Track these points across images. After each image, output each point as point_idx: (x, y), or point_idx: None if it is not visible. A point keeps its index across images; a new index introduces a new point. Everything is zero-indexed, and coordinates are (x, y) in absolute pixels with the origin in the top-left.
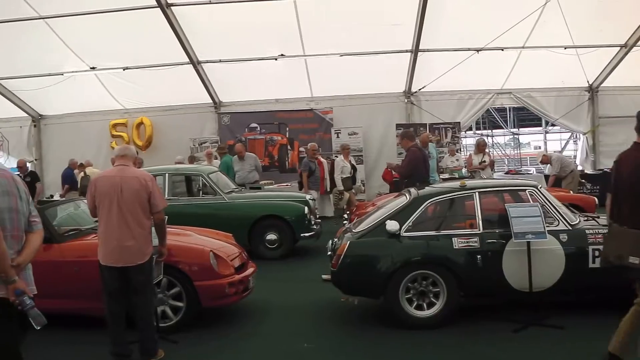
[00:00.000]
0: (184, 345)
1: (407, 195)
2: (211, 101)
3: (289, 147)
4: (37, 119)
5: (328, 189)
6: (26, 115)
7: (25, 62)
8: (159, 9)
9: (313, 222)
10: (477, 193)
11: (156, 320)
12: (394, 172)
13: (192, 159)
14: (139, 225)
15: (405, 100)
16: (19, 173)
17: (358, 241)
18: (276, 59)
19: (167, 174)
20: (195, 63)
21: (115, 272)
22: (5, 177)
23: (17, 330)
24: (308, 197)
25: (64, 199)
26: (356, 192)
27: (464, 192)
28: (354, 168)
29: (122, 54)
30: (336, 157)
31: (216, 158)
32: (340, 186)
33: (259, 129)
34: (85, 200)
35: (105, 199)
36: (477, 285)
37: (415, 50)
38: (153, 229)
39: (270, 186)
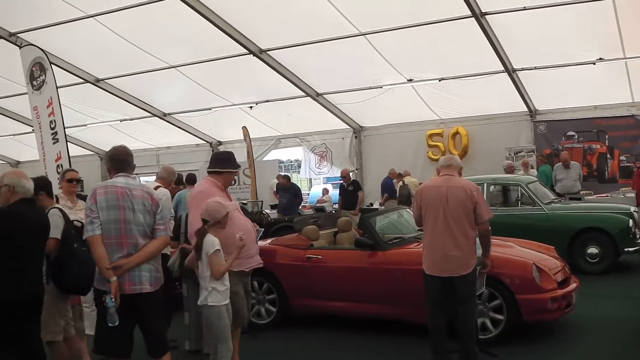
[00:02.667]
0: (503, 359)
1: None
2: (526, 109)
3: (608, 155)
4: (357, 131)
5: None
6: (348, 127)
7: (348, 77)
8: (473, 18)
9: (638, 236)
10: None
11: (476, 332)
12: None
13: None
14: (464, 235)
15: None
16: (342, 182)
17: None
18: (594, 64)
19: (485, 184)
20: (510, 71)
21: (439, 282)
22: (116, 193)
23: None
24: (633, 209)
25: (384, 207)
26: None
27: None
28: None
29: (437, 64)
30: None
31: (532, 167)
32: None
33: (576, 137)
34: (409, 209)
35: (431, 208)
36: None
37: None
38: (477, 239)
39: (590, 197)
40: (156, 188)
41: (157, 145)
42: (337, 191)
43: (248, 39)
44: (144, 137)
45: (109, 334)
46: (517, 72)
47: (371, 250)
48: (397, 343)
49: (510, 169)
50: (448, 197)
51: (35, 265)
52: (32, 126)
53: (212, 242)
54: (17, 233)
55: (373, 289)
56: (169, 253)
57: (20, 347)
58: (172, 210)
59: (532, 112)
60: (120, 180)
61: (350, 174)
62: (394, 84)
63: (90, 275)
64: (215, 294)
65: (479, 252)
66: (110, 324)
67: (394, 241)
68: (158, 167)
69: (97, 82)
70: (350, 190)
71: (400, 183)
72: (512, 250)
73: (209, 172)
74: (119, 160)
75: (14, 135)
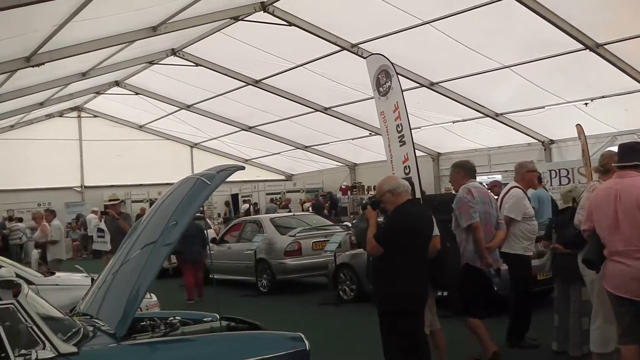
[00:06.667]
0: None
1: None
2: None
3: None
4: None
5: None
6: None
7: None
8: None
9: None
10: None
11: None
12: None
13: None
14: None
15: None
16: None
17: None
18: None
19: None
20: None
21: None
22: (482, 192)
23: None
24: None
25: None
26: None
27: None
28: None
29: None
30: None
31: None
32: None
33: None
34: None
35: None
36: None
37: None
38: None
39: None
40: (511, 189)
41: (488, 145)
42: None
43: (583, 33)
44: (475, 137)
45: (475, 300)
46: None
47: None
48: None
49: None
50: None
51: (427, 261)
52: (369, 130)
53: None
54: (419, 230)
55: None
56: None
57: (412, 339)
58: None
59: None
60: (476, 183)
61: None
62: None
63: (458, 272)
64: None
65: None
66: (496, 288)
67: None
68: (489, 167)
69: (431, 85)
70: None
71: None
72: None
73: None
74: (472, 170)
75: (352, 139)
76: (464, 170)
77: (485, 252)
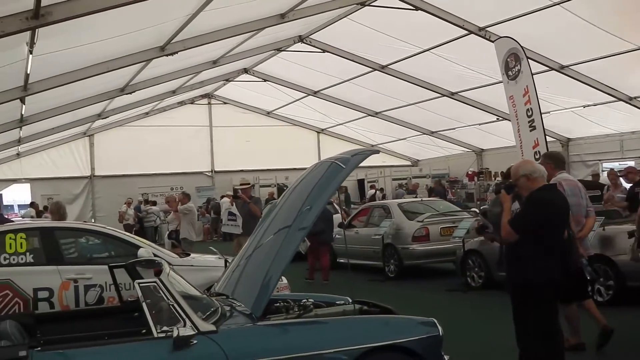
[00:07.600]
0: None
1: None
2: None
3: None
4: None
5: None
6: None
7: None
8: None
9: None
10: None
11: None
12: None
13: None
14: None
15: None
16: None
17: None
18: None
19: None
20: None
21: None
22: (572, 185)
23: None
24: None
25: None
26: None
27: None
28: None
29: None
30: None
31: None
32: None
33: None
34: None
35: None
36: None
37: None
38: None
39: None
40: None
41: (620, 130)
42: None
43: None
44: (606, 122)
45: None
46: None
47: None
48: None
49: None
50: None
51: (561, 248)
52: (496, 115)
53: None
54: (555, 217)
55: None
56: None
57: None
58: None
59: None
60: (566, 175)
61: None
62: None
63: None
64: None
65: None
66: (589, 277)
67: None
68: (622, 153)
69: (561, 68)
70: None
71: None
72: None
73: None
74: (562, 162)
75: (479, 124)
76: (554, 161)
77: (575, 242)
